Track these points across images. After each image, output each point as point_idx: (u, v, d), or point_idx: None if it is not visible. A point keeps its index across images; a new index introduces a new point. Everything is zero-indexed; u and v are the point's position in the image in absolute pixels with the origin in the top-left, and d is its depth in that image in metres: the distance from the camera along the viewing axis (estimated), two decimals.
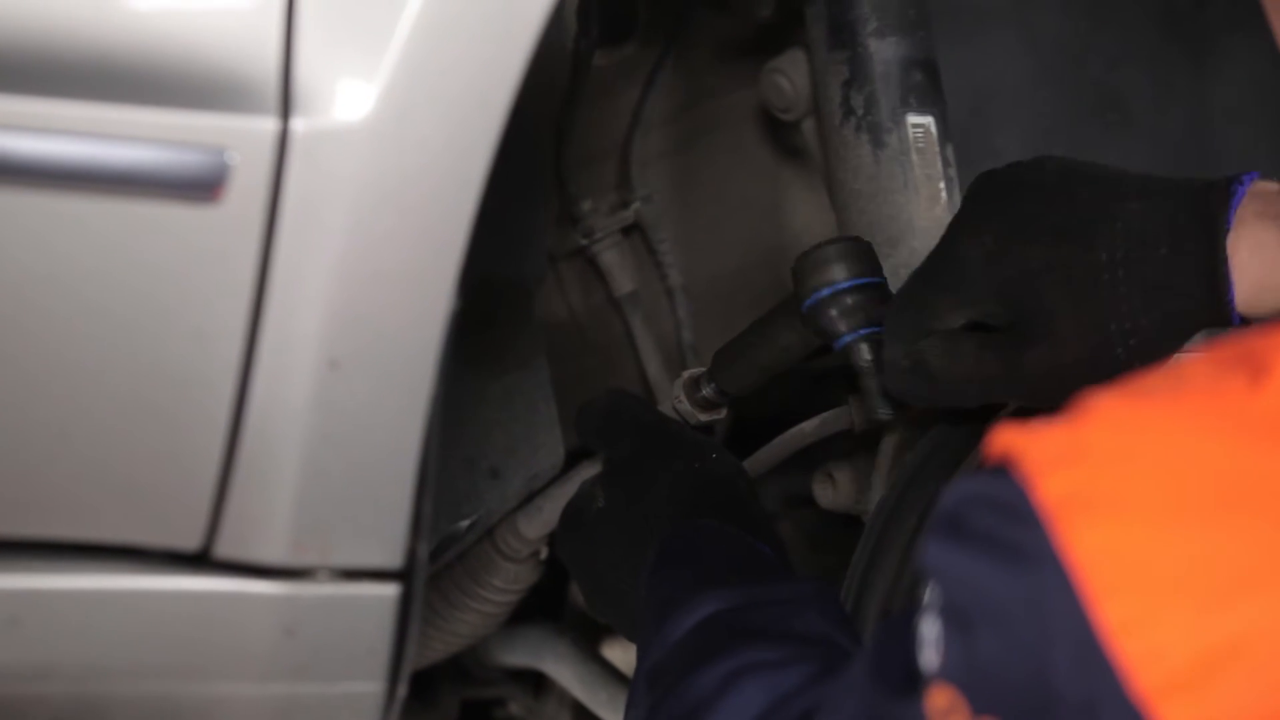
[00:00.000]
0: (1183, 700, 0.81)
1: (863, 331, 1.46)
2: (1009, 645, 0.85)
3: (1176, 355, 1.30)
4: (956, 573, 0.88)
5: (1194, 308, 1.27)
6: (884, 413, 1.46)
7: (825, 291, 1.46)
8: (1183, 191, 1.30)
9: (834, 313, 1.46)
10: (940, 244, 1.38)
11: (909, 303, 1.38)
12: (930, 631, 0.90)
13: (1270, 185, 1.29)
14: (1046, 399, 1.34)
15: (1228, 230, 1.27)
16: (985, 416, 1.46)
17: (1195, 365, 0.88)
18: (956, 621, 0.88)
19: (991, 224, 1.34)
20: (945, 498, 0.90)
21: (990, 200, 1.36)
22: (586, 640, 2.00)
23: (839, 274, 1.46)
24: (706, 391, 1.59)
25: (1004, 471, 0.87)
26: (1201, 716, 0.82)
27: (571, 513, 1.51)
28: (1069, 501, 0.84)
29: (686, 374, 1.61)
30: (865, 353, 1.46)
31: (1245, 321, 1.28)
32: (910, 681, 0.94)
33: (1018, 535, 0.85)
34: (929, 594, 0.90)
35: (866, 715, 1.02)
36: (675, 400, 1.60)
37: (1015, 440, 0.87)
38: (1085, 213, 1.32)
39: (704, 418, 1.60)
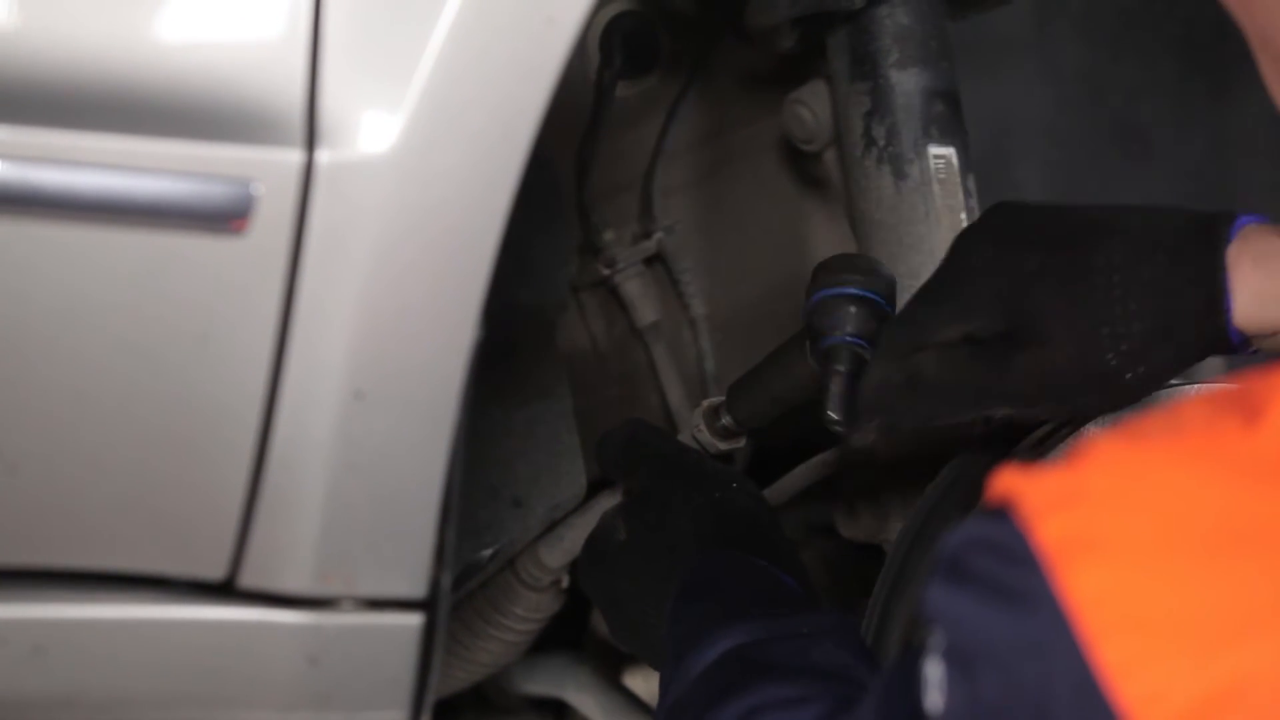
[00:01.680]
0: None
1: (849, 339, 1.46)
2: (1010, 687, 0.86)
3: (1172, 370, 1.29)
4: (958, 615, 0.88)
5: (1189, 316, 1.27)
6: (834, 418, 1.43)
7: (830, 291, 1.46)
8: (1187, 212, 1.30)
9: (832, 313, 1.46)
10: (943, 261, 1.37)
11: (906, 319, 1.37)
12: (934, 674, 0.90)
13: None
14: (1038, 405, 1.34)
15: (1229, 240, 1.27)
16: (999, 446, 1.46)
17: (1192, 407, 0.89)
18: (959, 664, 0.89)
19: (992, 235, 1.34)
20: (946, 541, 0.90)
21: (994, 219, 1.36)
22: (608, 669, 2.00)
23: (851, 280, 1.46)
24: (725, 421, 1.59)
25: (1003, 514, 0.87)
26: None
27: (594, 545, 1.51)
28: (1067, 544, 0.85)
29: (706, 403, 1.61)
30: (845, 358, 1.44)
31: (1243, 337, 1.28)
32: None
33: (1016, 578, 0.86)
34: (932, 636, 0.91)
35: None
36: (695, 429, 1.61)
37: (1014, 483, 0.88)
38: (1087, 223, 1.32)
39: (724, 446, 1.60)
